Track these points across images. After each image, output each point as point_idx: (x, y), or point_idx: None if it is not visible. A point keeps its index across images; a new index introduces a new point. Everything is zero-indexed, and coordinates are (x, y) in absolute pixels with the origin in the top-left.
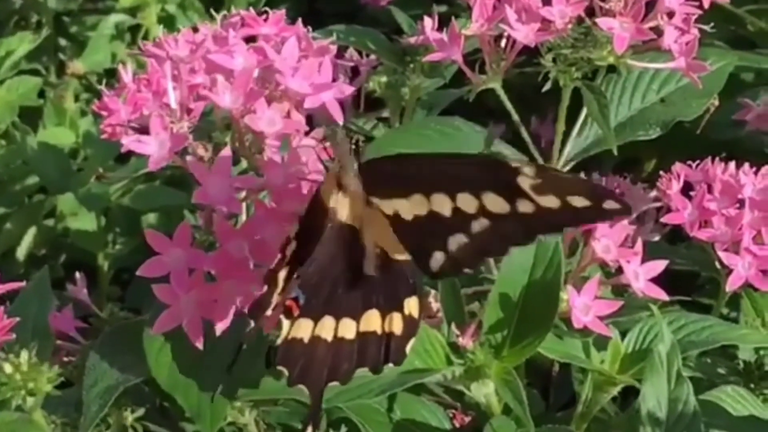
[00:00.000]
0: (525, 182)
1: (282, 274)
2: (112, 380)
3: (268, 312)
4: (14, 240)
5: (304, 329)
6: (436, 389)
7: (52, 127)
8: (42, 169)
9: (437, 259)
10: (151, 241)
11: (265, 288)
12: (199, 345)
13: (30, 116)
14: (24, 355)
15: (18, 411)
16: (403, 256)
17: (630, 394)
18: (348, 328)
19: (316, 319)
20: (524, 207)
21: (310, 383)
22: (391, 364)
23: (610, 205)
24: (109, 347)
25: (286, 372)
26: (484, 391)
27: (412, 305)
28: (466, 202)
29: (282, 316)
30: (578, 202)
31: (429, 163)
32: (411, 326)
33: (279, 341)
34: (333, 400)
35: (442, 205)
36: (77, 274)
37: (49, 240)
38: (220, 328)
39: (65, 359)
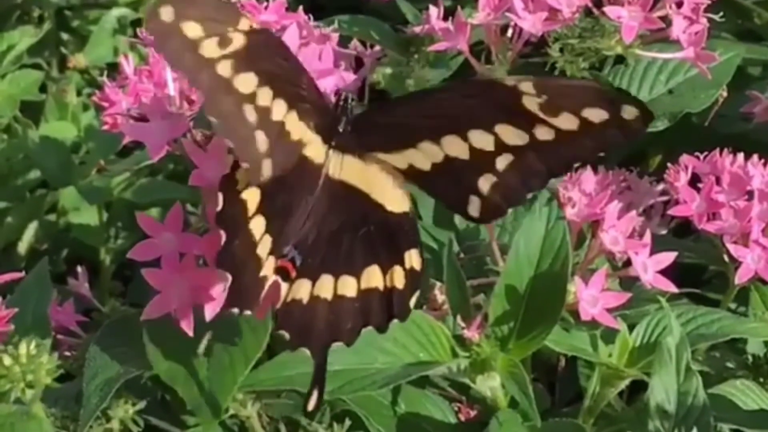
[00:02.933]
0: (531, 103)
1: (257, 226)
2: (113, 372)
3: (260, 271)
4: (15, 234)
5: (302, 290)
6: (441, 382)
7: (54, 121)
8: (43, 163)
9: (474, 203)
10: (142, 225)
11: (223, 236)
12: (189, 332)
13: (32, 110)
14: (23, 346)
15: (17, 403)
16: (401, 209)
17: (637, 389)
18: (348, 286)
19: (314, 279)
20: (543, 134)
21: (312, 344)
22: (396, 320)
23: (629, 113)
24: (110, 339)
25: (287, 336)
26: (489, 385)
27: (413, 257)
28: (481, 140)
29: (279, 279)
30: (595, 115)
31: (422, 104)
32: (413, 279)
33: (278, 305)
34: (336, 393)
35: (456, 147)
36: (78, 268)
37: (50, 234)
38: (209, 314)
39: (67, 354)
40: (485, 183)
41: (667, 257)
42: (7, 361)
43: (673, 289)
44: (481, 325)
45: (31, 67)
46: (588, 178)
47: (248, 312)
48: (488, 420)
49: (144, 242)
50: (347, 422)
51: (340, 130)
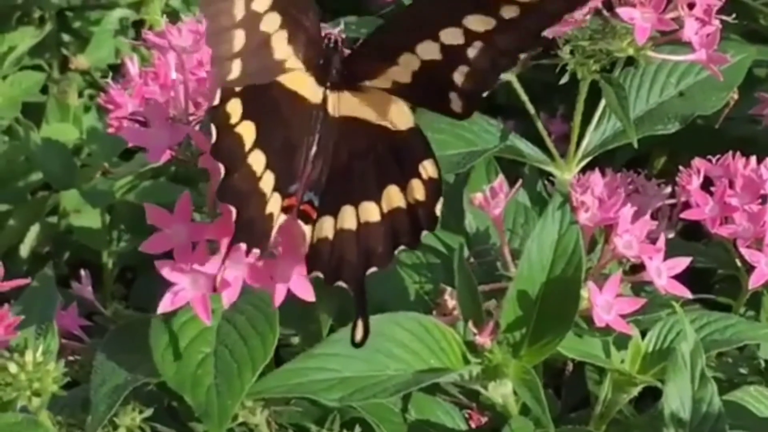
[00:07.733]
0: None
1: (257, 161)
2: (120, 379)
3: (265, 206)
4: (17, 237)
5: (326, 227)
6: (451, 389)
7: (56, 123)
8: (45, 165)
9: (455, 100)
10: (150, 216)
11: (222, 168)
12: (208, 322)
13: (33, 112)
14: (29, 354)
15: (23, 412)
16: (407, 125)
17: (646, 394)
18: (371, 212)
19: (335, 214)
20: (509, 12)
21: (347, 275)
22: (425, 232)
23: None
24: (117, 346)
25: (321, 276)
26: (501, 391)
27: (428, 167)
28: (452, 36)
29: (301, 223)
30: None
31: (398, 22)
32: (434, 188)
33: (306, 250)
34: (347, 400)
35: (430, 51)
36: (82, 272)
37: (52, 237)
38: (227, 301)
39: (70, 358)
40: (459, 76)
41: (682, 262)
42: (13, 368)
43: (687, 294)
44: (493, 331)
45: (32, 68)
46: (596, 181)
47: (257, 250)
48: (499, 427)
49: (156, 234)
50: (357, 429)
51: (333, 70)
